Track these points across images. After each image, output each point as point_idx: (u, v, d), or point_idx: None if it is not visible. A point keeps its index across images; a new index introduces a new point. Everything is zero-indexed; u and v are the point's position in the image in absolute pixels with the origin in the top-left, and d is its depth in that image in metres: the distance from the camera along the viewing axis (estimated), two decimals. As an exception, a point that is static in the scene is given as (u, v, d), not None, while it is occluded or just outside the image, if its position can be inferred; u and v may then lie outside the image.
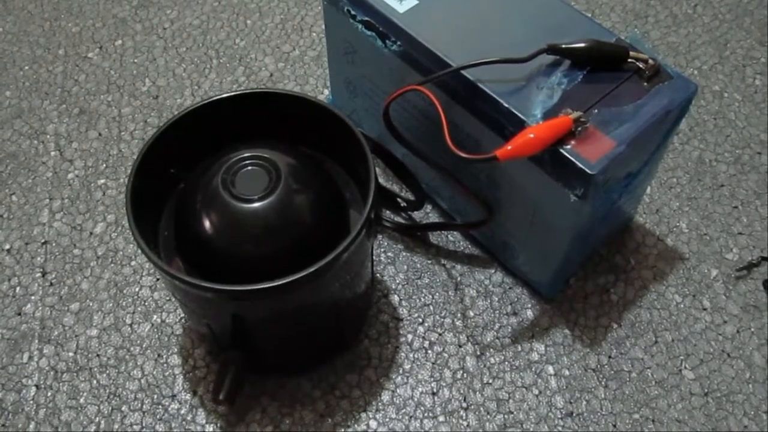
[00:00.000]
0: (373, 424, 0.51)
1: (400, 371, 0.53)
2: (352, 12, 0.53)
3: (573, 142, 0.44)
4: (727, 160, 0.65)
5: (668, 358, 0.54)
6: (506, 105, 0.46)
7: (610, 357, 0.54)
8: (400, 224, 0.61)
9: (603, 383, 0.53)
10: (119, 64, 0.72)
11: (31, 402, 0.52)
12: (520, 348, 0.54)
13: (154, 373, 0.53)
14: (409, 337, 0.55)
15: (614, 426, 0.51)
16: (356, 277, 0.48)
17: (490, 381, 0.53)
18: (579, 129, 0.44)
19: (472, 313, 0.56)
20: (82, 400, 0.52)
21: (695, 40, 0.74)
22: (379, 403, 0.52)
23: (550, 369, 0.53)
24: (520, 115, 0.45)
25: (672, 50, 0.73)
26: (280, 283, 0.40)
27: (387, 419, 0.51)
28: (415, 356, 0.54)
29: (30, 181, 0.64)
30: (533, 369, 0.53)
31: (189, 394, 0.52)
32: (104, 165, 0.65)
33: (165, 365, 0.54)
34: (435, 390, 0.53)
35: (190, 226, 0.45)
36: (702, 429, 0.51)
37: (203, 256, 0.46)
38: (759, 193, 0.63)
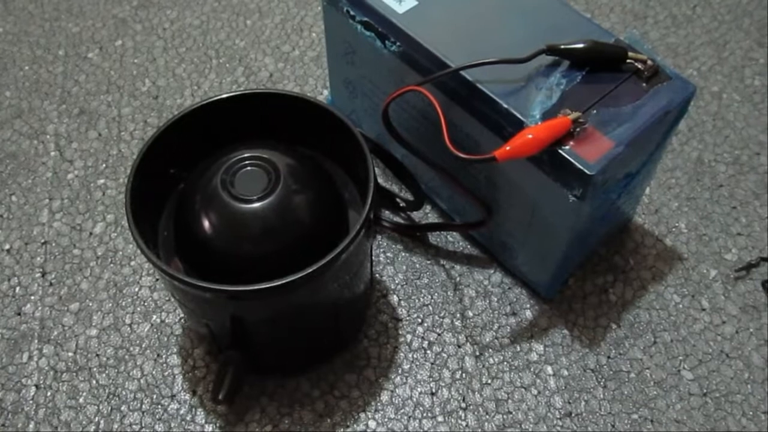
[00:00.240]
0: (372, 424, 0.51)
1: (399, 371, 0.54)
2: (352, 13, 0.53)
3: (572, 143, 0.44)
4: (726, 161, 0.65)
5: (667, 358, 0.54)
6: (505, 105, 0.46)
7: (609, 357, 0.54)
8: (399, 224, 0.61)
9: (602, 383, 0.53)
10: (119, 65, 0.73)
11: (31, 402, 0.52)
12: (519, 348, 0.55)
13: (154, 373, 0.53)
14: (408, 337, 0.55)
15: (613, 426, 0.51)
16: (355, 277, 0.48)
17: (489, 381, 0.53)
18: (578, 129, 0.44)
19: (471, 314, 0.56)
20: (81, 400, 0.52)
21: (694, 41, 0.74)
22: (378, 403, 0.52)
23: (549, 369, 0.54)
24: (518, 115, 0.45)
25: (671, 51, 0.73)
26: (279, 283, 0.40)
27: (386, 419, 0.51)
28: (414, 356, 0.54)
29: (30, 181, 0.64)
30: (532, 369, 0.54)
31: (188, 394, 0.52)
32: (104, 165, 0.65)
33: (164, 365, 0.54)
34: (434, 390, 0.53)
35: (190, 226, 0.45)
36: (701, 429, 0.51)
37: (202, 256, 0.46)
38: (758, 193, 0.63)
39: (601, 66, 0.47)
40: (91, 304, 0.57)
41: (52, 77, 0.72)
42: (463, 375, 0.53)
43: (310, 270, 0.41)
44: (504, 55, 0.47)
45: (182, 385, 0.53)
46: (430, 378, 0.53)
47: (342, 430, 0.51)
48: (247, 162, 0.45)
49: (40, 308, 0.57)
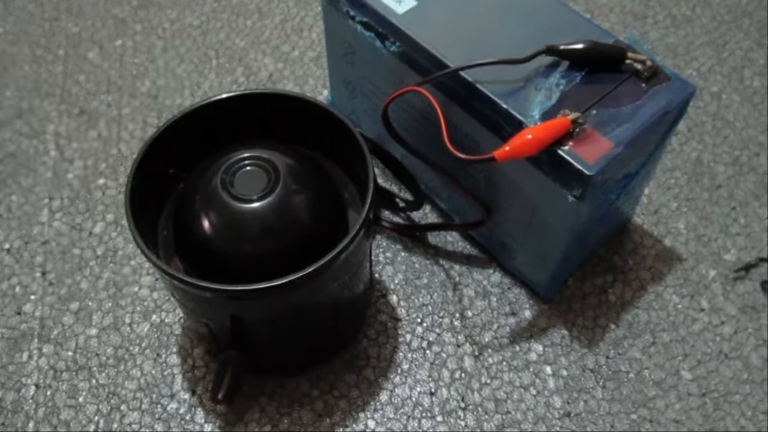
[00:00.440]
0: (371, 423, 0.51)
1: (399, 371, 0.54)
2: (352, 13, 0.53)
3: (571, 143, 0.44)
4: (726, 161, 0.65)
5: (666, 358, 0.54)
6: (504, 106, 0.46)
7: (608, 357, 0.54)
8: (399, 224, 0.61)
9: (601, 383, 0.53)
10: (119, 65, 0.73)
11: (31, 401, 0.52)
12: (518, 348, 0.55)
13: (153, 372, 0.54)
14: (408, 337, 0.55)
15: (612, 426, 0.51)
16: (355, 277, 0.48)
17: (488, 381, 0.53)
18: (577, 130, 0.44)
19: (470, 313, 0.56)
20: (81, 399, 0.52)
21: (694, 41, 0.74)
22: (378, 403, 0.52)
23: (548, 369, 0.54)
24: (518, 115, 0.45)
25: (671, 51, 0.73)
26: (278, 283, 0.40)
27: (385, 419, 0.52)
28: (414, 356, 0.54)
29: (30, 180, 0.64)
30: (531, 369, 0.54)
31: (188, 394, 0.53)
32: (104, 165, 0.65)
33: (164, 365, 0.54)
34: (433, 390, 0.53)
35: (189, 226, 0.46)
36: (699, 429, 0.51)
37: (202, 255, 0.46)
38: (757, 194, 0.63)
39: (601, 66, 0.47)
40: (90, 304, 0.57)
41: (52, 77, 0.72)
42: (463, 375, 0.53)
43: (309, 270, 0.41)
44: (503, 56, 0.47)
45: (182, 384, 0.53)
46: (429, 378, 0.53)
47: (341, 429, 0.51)
48: (246, 162, 0.45)
49: (39, 308, 0.57)
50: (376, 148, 0.55)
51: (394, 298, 0.57)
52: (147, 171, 0.46)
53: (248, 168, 0.45)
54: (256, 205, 0.44)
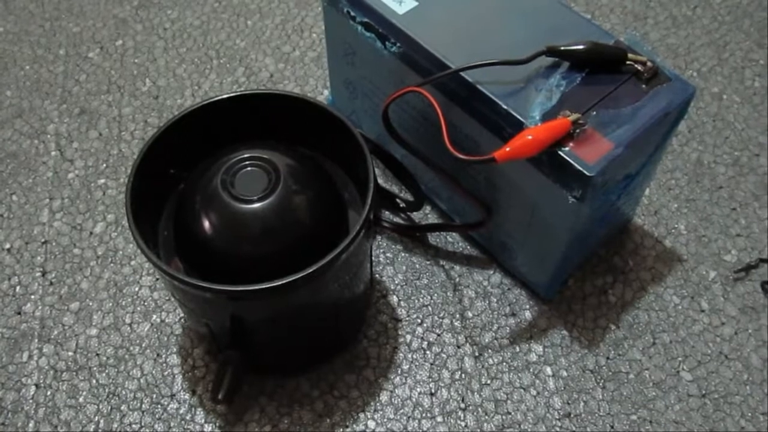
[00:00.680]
0: (371, 424, 0.51)
1: (399, 372, 0.54)
2: (352, 13, 0.53)
3: (571, 144, 0.44)
4: (726, 162, 0.65)
5: (666, 359, 0.54)
6: (505, 106, 0.46)
7: (608, 358, 0.54)
8: (399, 225, 0.61)
9: (601, 384, 0.53)
10: (120, 64, 0.73)
11: (31, 401, 0.52)
12: (518, 349, 0.55)
13: (154, 372, 0.54)
14: (408, 337, 0.55)
15: (612, 427, 0.51)
16: (355, 277, 0.48)
17: (489, 382, 0.53)
18: (577, 131, 0.44)
19: (470, 314, 0.56)
20: (81, 399, 0.52)
21: (694, 42, 0.74)
22: (378, 404, 0.52)
23: (548, 370, 0.54)
24: (518, 116, 0.45)
25: (671, 52, 0.73)
26: (278, 283, 0.40)
27: (385, 419, 0.52)
28: (414, 357, 0.54)
29: (30, 180, 0.64)
30: (531, 370, 0.54)
31: (188, 394, 0.53)
32: (104, 165, 0.65)
33: (164, 365, 0.54)
34: (433, 390, 0.53)
35: (190, 226, 0.46)
36: (699, 430, 0.51)
37: (202, 256, 0.46)
38: (757, 195, 0.63)
39: (601, 67, 0.47)
40: (91, 304, 0.57)
41: (52, 77, 0.72)
42: (463, 375, 0.53)
43: (310, 270, 0.41)
44: (504, 57, 0.47)
45: (182, 384, 0.53)
46: (429, 378, 0.53)
47: (341, 430, 0.51)
48: (247, 162, 0.45)
49: (40, 307, 0.57)
50: (377, 149, 0.55)
51: (394, 299, 0.57)
52: (147, 171, 0.46)
53: (249, 168, 0.45)
54: (256, 205, 0.44)
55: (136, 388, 0.53)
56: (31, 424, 0.51)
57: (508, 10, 0.51)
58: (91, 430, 0.51)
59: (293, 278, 0.41)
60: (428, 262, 0.59)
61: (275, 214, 0.44)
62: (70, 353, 0.54)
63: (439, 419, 0.52)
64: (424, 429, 0.51)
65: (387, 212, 0.61)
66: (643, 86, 0.47)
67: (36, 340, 0.55)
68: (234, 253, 0.45)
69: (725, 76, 0.71)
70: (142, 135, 0.67)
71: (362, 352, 0.54)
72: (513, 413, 0.52)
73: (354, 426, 0.51)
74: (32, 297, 0.57)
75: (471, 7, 0.51)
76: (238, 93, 0.50)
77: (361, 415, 0.52)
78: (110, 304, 0.57)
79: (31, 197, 0.63)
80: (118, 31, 0.76)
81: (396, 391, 0.53)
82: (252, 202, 0.44)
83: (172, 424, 0.51)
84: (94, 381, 0.53)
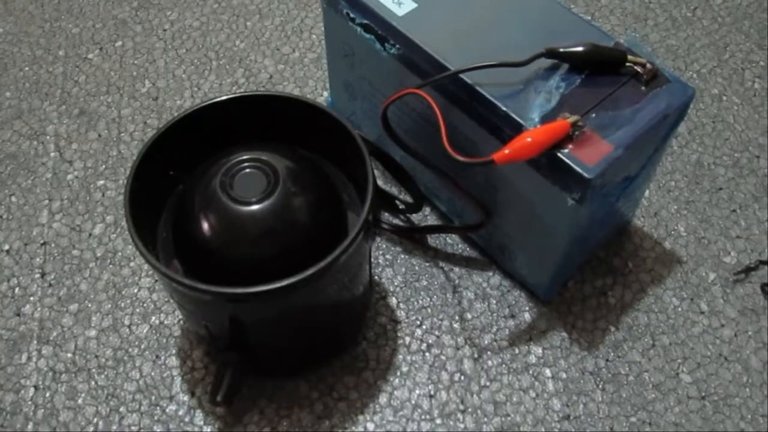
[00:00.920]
0: (370, 426, 0.51)
1: (398, 373, 0.54)
2: (351, 15, 0.53)
3: (570, 146, 0.44)
4: (726, 164, 0.65)
5: (665, 361, 0.54)
6: (504, 108, 0.46)
7: (607, 360, 0.54)
8: (399, 226, 0.61)
9: (600, 386, 0.53)
10: (119, 66, 0.73)
11: (30, 402, 0.52)
12: (517, 351, 0.55)
13: (152, 374, 0.53)
14: (407, 339, 0.55)
15: (611, 429, 0.51)
16: (354, 279, 0.48)
17: (488, 383, 0.53)
18: (577, 133, 0.44)
19: (469, 316, 0.56)
20: (80, 401, 0.52)
21: (694, 43, 0.74)
22: (377, 406, 0.52)
23: (548, 372, 0.54)
24: (517, 118, 0.45)
25: (671, 53, 0.73)
26: (277, 285, 0.40)
27: (384, 421, 0.52)
28: (413, 358, 0.54)
29: (29, 181, 0.64)
30: (530, 372, 0.54)
31: (187, 396, 0.52)
32: (104, 166, 0.65)
33: (163, 366, 0.54)
34: (432, 392, 0.53)
35: (189, 228, 0.46)
36: (699, 432, 0.51)
37: (201, 258, 0.46)
38: (757, 196, 0.63)
39: (600, 69, 0.47)
40: (90, 305, 0.57)
41: (52, 78, 0.72)
42: (462, 377, 0.53)
43: (309, 272, 0.41)
44: (503, 58, 0.47)
45: (181, 386, 0.53)
46: (428, 380, 0.53)
47: (340, 431, 0.51)
48: (246, 164, 0.45)
49: (39, 309, 0.57)
50: (376, 150, 0.55)
51: (393, 300, 0.57)
52: (147, 173, 0.46)
53: (248, 170, 0.45)
54: (255, 207, 0.44)
55: (135, 389, 0.53)
56: (29, 426, 0.51)
57: (507, 11, 0.51)
58: (90, 431, 0.51)
59: (292, 280, 0.41)
60: (427, 264, 0.59)
61: (274, 216, 0.44)
62: (69, 355, 0.54)
63: (438, 421, 0.52)
64: (423, 431, 0.51)
65: (386, 214, 0.61)
66: (643, 88, 0.47)
67: (35, 342, 0.55)
68: (233, 255, 0.45)
69: (725, 77, 0.71)
70: (141, 136, 0.67)
71: (361, 353, 0.54)
72: (512, 415, 0.52)
73: (353, 428, 0.51)
74: (31, 298, 0.57)
75: (470, 9, 0.51)
76: (238, 94, 0.50)
77: (361, 417, 0.52)
78: (109, 306, 0.57)
79: (30, 198, 0.63)
80: (117, 32, 0.76)
81: (395, 392, 0.53)
82: (251, 203, 0.44)
83: (171, 426, 0.51)
84: (93, 382, 0.53)
